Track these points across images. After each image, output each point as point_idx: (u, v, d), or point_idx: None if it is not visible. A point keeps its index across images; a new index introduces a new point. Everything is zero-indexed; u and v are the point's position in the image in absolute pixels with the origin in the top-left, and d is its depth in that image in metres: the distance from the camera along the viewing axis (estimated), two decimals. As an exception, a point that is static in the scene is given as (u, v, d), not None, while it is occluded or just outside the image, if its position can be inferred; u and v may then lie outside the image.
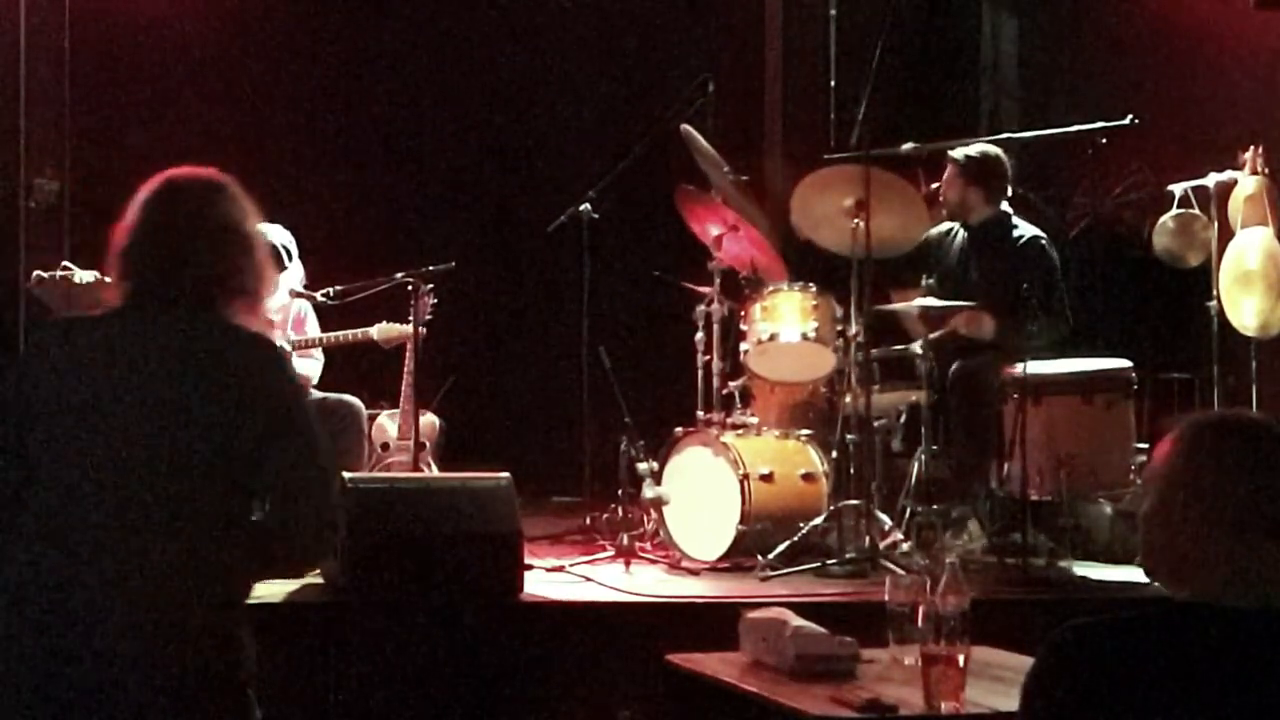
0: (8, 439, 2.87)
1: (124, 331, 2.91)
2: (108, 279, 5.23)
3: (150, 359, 2.86)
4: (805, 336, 6.19)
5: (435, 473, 6.68)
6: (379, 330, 6.75)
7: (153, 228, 3.00)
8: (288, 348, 6.44)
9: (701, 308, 6.50)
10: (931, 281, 6.23)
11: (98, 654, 2.73)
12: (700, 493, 6.09)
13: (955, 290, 6.33)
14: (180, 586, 2.78)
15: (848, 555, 5.72)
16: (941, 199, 6.51)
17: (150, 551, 2.77)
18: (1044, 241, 6.41)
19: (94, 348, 2.90)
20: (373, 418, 7.01)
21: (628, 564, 5.90)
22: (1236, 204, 6.46)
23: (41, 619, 2.76)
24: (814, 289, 6.28)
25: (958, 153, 6.48)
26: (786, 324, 6.22)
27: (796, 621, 3.55)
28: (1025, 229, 6.46)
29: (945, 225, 6.60)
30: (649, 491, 6.13)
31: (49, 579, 2.77)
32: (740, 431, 6.24)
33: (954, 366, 6.22)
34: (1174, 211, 6.64)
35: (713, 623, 4.36)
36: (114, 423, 2.82)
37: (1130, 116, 6.33)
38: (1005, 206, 6.50)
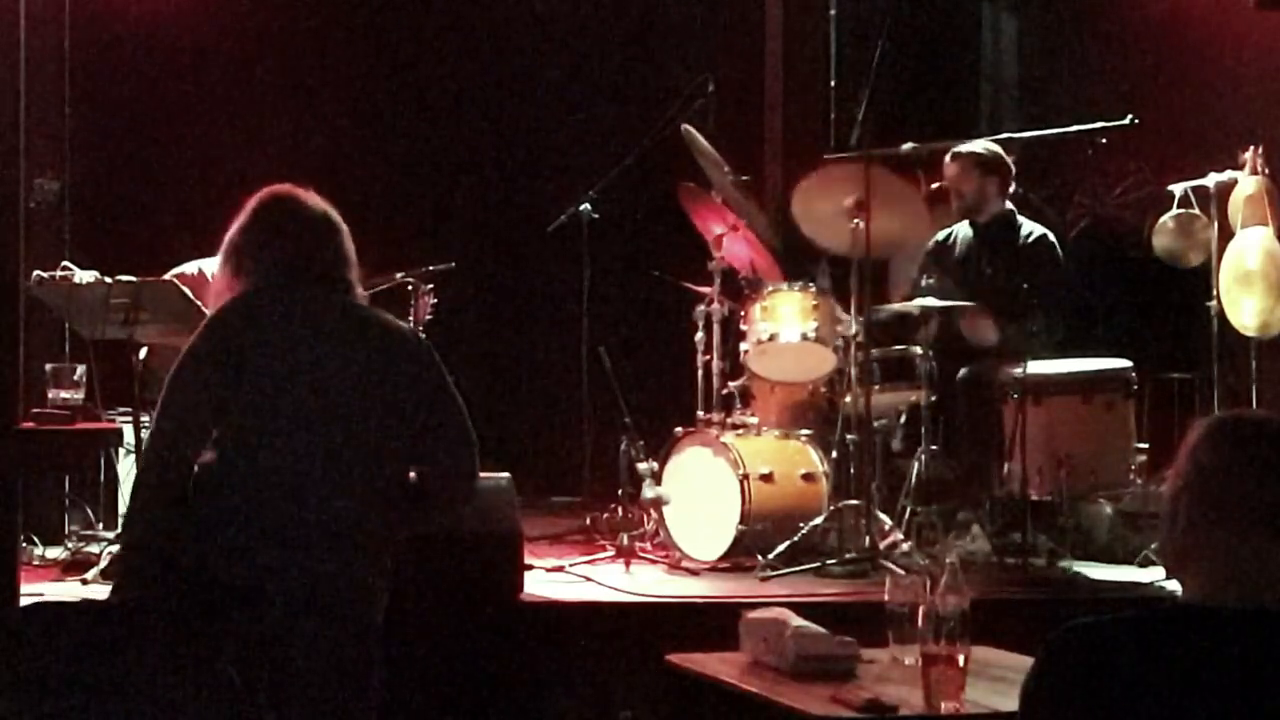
0: (222, 381, 3.40)
1: (308, 301, 3.51)
2: (108, 279, 5.40)
3: (338, 328, 3.49)
4: (805, 336, 6.19)
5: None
6: None
7: (285, 224, 3.59)
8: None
9: (701, 308, 6.50)
10: (931, 282, 6.23)
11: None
12: (700, 493, 6.09)
13: (964, 290, 6.32)
14: (361, 522, 3.41)
15: (848, 555, 5.72)
16: (956, 196, 6.50)
17: (344, 485, 3.39)
18: (1051, 239, 6.44)
19: (293, 315, 3.47)
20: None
21: (628, 564, 5.90)
22: (1236, 204, 6.46)
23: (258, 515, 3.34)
24: (814, 289, 6.28)
25: (972, 146, 6.50)
26: (786, 324, 6.22)
27: (796, 621, 3.55)
28: (1032, 226, 6.48)
29: (943, 232, 6.61)
30: (649, 491, 6.13)
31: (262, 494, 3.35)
32: (740, 431, 6.24)
33: (962, 371, 6.20)
34: (1174, 211, 6.64)
35: (713, 623, 4.36)
36: (319, 379, 3.42)
37: (1130, 116, 6.34)
38: (1009, 204, 6.53)
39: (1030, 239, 6.43)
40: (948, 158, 6.53)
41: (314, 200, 3.66)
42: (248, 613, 3.29)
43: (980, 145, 6.55)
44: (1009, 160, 6.52)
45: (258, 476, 3.38)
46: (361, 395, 3.46)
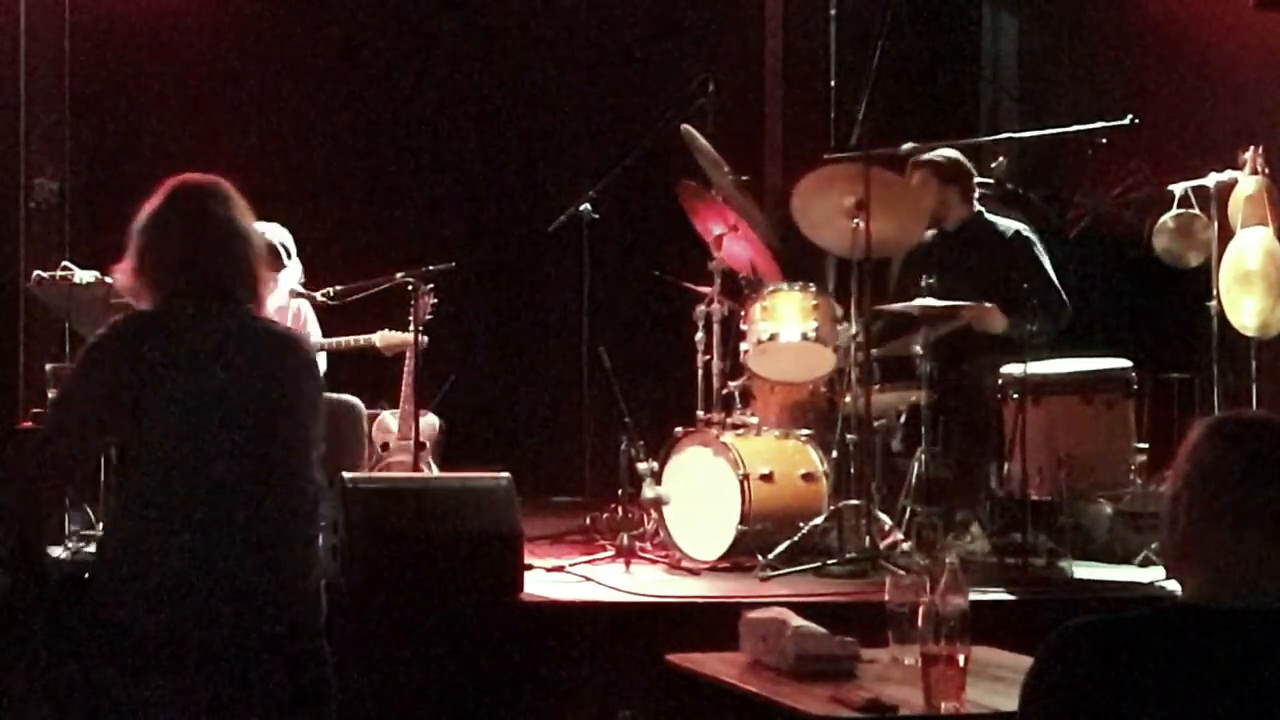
0: (116, 416, 3.22)
1: (203, 324, 3.30)
2: (108, 279, 5.35)
3: (236, 352, 3.29)
4: (805, 336, 6.19)
5: (435, 473, 6.68)
6: (381, 337, 6.79)
7: (173, 230, 3.35)
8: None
9: (701, 308, 6.50)
10: (932, 280, 6.24)
11: (228, 602, 3.19)
12: (700, 493, 6.09)
13: (946, 296, 6.33)
14: (288, 547, 3.29)
15: (848, 555, 5.72)
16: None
17: (266, 516, 3.25)
18: (1026, 233, 6.47)
19: (188, 341, 3.27)
20: (373, 418, 7.02)
21: (628, 564, 5.90)
22: (1236, 204, 6.45)
23: (175, 570, 3.19)
24: (814, 289, 6.29)
25: (930, 155, 6.51)
26: (786, 324, 6.22)
27: (796, 621, 3.55)
28: (1005, 224, 6.52)
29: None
30: (649, 491, 6.13)
31: (180, 539, 3.19)
32: (740, 431, 6.24)
33: (955, 368, 6.22)
34: (1174, 211, 6.64)
35: (713, 623, 4.35)
36: (220, 408, 3.24)
37: (1130, 116, 6.33)
38: (977, 205, 6.56)
39: (1006, 236, 6.46)
40: (909, 167, 6.53)
41: (225, 204, 3.41)
42: (174, 666, 3.16)
43: (939, 154, 6.53)
44: (968, 166, 6.55)
45: (175, 531, 3.22)
46: (270, 420, 3.30)
